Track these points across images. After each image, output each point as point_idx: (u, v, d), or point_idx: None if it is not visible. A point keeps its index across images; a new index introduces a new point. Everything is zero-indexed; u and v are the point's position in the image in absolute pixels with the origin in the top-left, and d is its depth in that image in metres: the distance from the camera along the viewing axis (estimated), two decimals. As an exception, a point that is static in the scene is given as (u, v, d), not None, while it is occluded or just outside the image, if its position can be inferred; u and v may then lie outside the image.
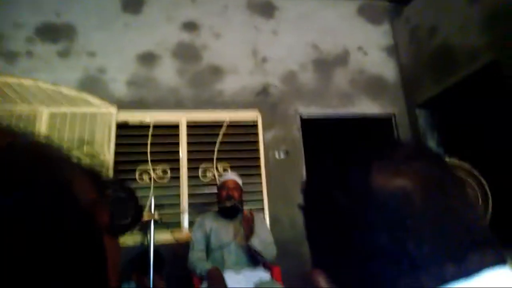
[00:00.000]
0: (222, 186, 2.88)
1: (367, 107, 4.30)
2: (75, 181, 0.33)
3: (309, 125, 4.11)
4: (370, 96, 4.35)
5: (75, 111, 3.46)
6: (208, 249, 2.80)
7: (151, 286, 2.00)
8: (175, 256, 2.99)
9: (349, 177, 0.43)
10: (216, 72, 4.06)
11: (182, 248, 2.88)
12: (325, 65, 4.34)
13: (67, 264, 0.29)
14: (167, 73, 3.95)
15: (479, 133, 3.45)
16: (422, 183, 0.39)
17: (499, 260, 0.38)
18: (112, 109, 3.55)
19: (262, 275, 2.68)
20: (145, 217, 2.10)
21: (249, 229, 2.62)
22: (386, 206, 0.38)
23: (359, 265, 0.39)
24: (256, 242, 2.64)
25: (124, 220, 0.55)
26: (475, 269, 0.36)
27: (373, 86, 4.39)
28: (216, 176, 3.67)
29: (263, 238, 2.74)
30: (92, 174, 0.37)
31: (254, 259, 2.76)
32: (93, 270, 0.32)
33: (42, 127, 3.35)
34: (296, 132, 4.06)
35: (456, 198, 0.40)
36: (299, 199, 0.49)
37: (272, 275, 2.72)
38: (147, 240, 2.05)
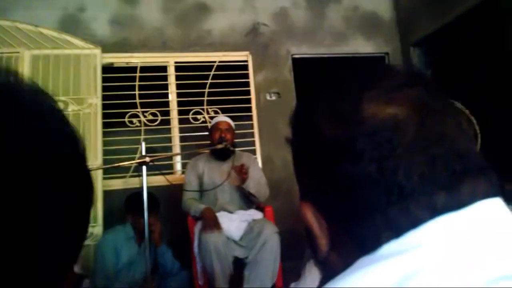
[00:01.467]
0: (214, 128, 2.87)
1: (360, 46, 4.19)
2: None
3: (301, 66, 4.02)
4: (364, 34, 4.23)
5: (58, 53, 3.32)
6: (202, 191, 2.85)
7: (146, 227, 2.05)
8: (169, 198, 3.05)
9: (337, 106, 0.41)
10: (203, 9, 3.88)
11: (176, 190, 2.92)
12: (318, 1, 4.16)
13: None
14: (151, 10, 3.76)
15: (473, 73, 3.41)
16: (415, 111, 0.37)
17: (492, 190, 0.37)
18: (96, 51, 3.41)
19: (255, 214, 2.76)
20: (138, 160, 2.10)
21: (242, 177, 2.65)
22: (377, 135, 0.37)
23: (346, 195, 0.38)
24: (250, 185, 2.68)
25: None
26: (468, 199, 0.35)
27: (367, 24, 4.26)
28: (207, 119, 3.65)
29: (256, 180, 2.79)
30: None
31: (246, 199, 2.83)
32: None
33: (25, 70, 3.23)
34: (288, 73, 3.98)
35: (450, 126, 0.38)
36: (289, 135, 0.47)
37: (264, 215, 2.80)
38: (141, 183, 2.07)
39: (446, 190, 0.35)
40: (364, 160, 0.36)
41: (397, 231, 0.34)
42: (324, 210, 0.42)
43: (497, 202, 0.36)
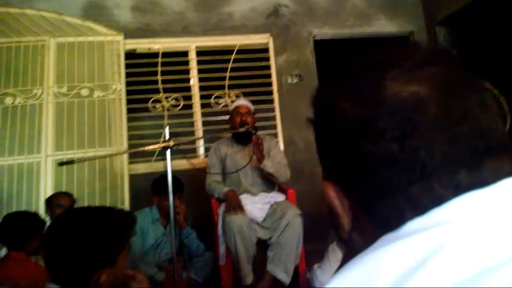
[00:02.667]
0: (235, 112, 2.88)
1: (384, 26, 4.08)
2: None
3: (323, 48, 3.96)
4: (387, 14, 4.11)
5: (82, 40, 3.38)
6: (224, 174, 2.89)
7: (172, 209, 2.10)
8: (193, 181, 3.10)
9: (359, 85, 0.41)
10: (224, -8, 3.84)
11: (199, 174, 2.97)
12: (340, -20, 4.06)
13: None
14: (172, -5, 3.75)
15: (501, 52, 3.28)
16: (438, 89, 0.37)
17: None
18: (119, 37, 3.46)
19: (277, 197, 2.78)
20: (162, 144, 2.14)
21: (259, 153, 2.66)
22: (399, 113, 0.36)
23: (369, 174, 0.38)
24: (268, 165, 2.69)
25: None
26: (491, 177, 0.34)
27: (391, 3, 4.13)
28: (229, 103, 3.66)
29: (277, 161, 2.80)
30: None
31: (268, 181, 2.85)
32: None
33: (50, 58, 3.31)
34: (309, 55, 3.93)
35: (473, 104, 0.37)
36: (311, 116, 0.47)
37: (286, 197, 2.82)
38: (165, 167, 2.11)
39: (469, 168, 0.35)
40: (386, 139, 0.36)
41: (421, 210, 0.34)
42: (346, 189, 0.42)
43: None
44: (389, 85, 0.38)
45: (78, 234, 1.02)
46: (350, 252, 0.43)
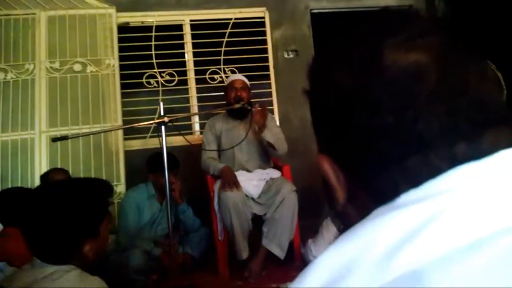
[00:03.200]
0: (230, 87, 2.84)
1: (383, -2, 4.00)
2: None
3: (320, 21, 3.88)
4: (386, -14, 4.02)
5: (73, 13, 3.30)
6: (220, 151, 2.88)
7: (167, 185, 2.10)
8: (188, 158, 3.10)
9: (356, 54, 0.39)
10: (219, -36, 3.74)
11: (195, 150, 2.96)
12: (338, -49, 3.94)
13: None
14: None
15: (498, 27, 3.23)
16: (437, 59, 0.35)
17: None
18: (111, 10, 3.37)
19: (273, 173, 2.79)
20: (157, 120, 2.12)
21: (261, 122, 2.65)
22: (397, 83, 0.35)
23: (364, 146, 0.37)
24: (268, 135, 2.69)
25: None
26: (489, 149, 0.34)
27: (390, -26, 4.03)
28: (224, 79, 3.62)
29: (274, 133, 2.78)
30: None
31: (266, 156, 2.85)
32: None
33: (41, 32, 3.23)
34: (306, 29, 3.86)
35: (473, 75, 0.36)
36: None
37: (282, 173, 2.83)
38: (160, 143, 2.10)
39: (467, 140, 0.34)
40: (383, 109, 0.35)
41: (416, 182, 0.34)
42: (341, 161, 0.41)
43: None
44: (386, 54, 0.36)
45: (57, 208, 1.02)
46: (345, 226, 0.42)
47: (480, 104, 0.35)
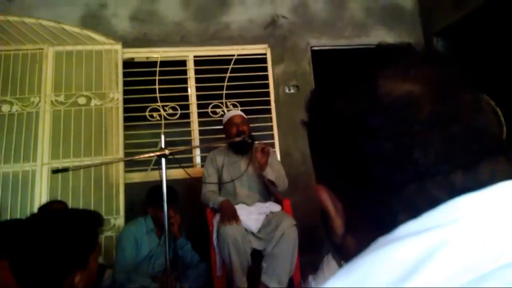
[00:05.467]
0: (230, 123, 2.86)
1: (382, 37, 4.11)
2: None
3: (321, 58, 3.97)
4: (385, 25, 4.14)
5: (80, 49, 3.39)
6: (220, 184, 2.87)
7: (166, 219, 2.08)
8: (188, 191, 3.08)
9: (353, 84, 0.40)
10: (222, 3, 3.88)
11: (195, 183, 2.95)
12: (338, -8, 4.09)
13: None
14: (170, 5, 3.78)
15: (499, 64, 3.30)
16: (431, 88, 0.36)
17: None
18: (117, 46, 3.47)
19: (273, 207, 2.76)
20: (157, 153, 2.13)
21: (264, 159, 2.66)
22: (392, 112, 0.36)
23: (361, 175, 0.37)
24: (269, 172, 2.68)
25: None
26: (487, 179, 0.34)
27: (389, 14, 4.17)
28: (226, 112, 3.66)
29: (275, 169, 2.78)
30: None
31: (266, 190, 2.83)
32: None
33: (48, 66, 3.31)
34: (307, 66, 3.95)
35: (467, 104, 0.37)
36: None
37: (282, 207, 2.80)
38: (161, 176, 2.10)
39: (464, 169, 0.34)
40: (379, 137, 0.36)
41: (415, 212, 0.34)
42: (339, 191, 0.41)
43: None
44: (382, 84, 0.37)
45: (46, 240, 1.00)
46: (344, 257, 0.42)
47: (475, 134, 0.35)
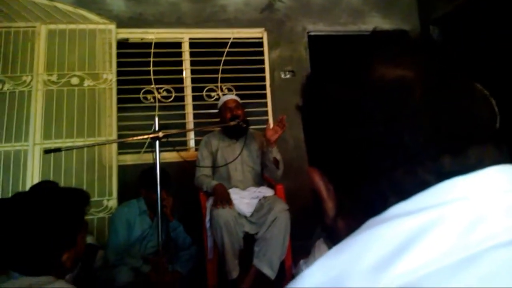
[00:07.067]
0: (224, 107, 2.85)
1: (378, 23, 4.08)
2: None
3: (317, 44, 3.95)
4: (381, 12, 4.11)
5: (73, 28, 3.33)
6: (214, 168, 2.87)
7: (159, 201, 2.08)
8: (182, 174, 3.09)
9: (347, 68, 0.41)
10: (219, -16, 3.81)
11: (189, 167, 2.95)
12: (336, -23, 4.04)
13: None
14: (167, -15, 3.71)
15: (493, 53, 3.30)
16: (423, 75, 0.37)
17: (502, 157, 0.36)
18: (111, 26, 3.41)
19: (266, 192, 2.77)
20: (151, 135, 2.12)
21: (276, 137, 2.66)
22: (384, 95, 0.37)
23: (352, 158, 0.38)
24: (275, 150, 2.70)
25: None
26: (475, 164, 0.34)
27: (386, 1, 4.13)
28: (221, 96, 3.64)
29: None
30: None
31: (259, 175, 2.85)
32: None
33: (41, 45, 3.26)
34: (303, 51, 3.92)
35: (458, 91, 0.37)
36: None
37: (275, 192, 2.82)
38: (154, 159, 2.09)
39: (453, 154, 0.35)
40: (370, 121, 0.36)
41: (404, 194, 0.34)
42: (331, 173, 0.42)
43: (507, 169, 0.35)
44: (376, 68, 0.38)
45: (34, 219, 1.00)
46: (335, 239, 0.43)
47: (465, 119, 0.36)
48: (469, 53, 3.58)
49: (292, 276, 2.61)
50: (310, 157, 0.46)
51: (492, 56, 3.31)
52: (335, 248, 0.34)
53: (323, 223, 0.45)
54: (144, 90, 3.58)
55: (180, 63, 3.72)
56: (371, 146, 0.36)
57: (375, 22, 4.07)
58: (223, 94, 3.56)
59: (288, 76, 3.84)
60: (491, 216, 0.31)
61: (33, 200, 1.07)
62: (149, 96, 3.59)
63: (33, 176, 3.04)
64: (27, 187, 2.94)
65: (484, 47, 3.41)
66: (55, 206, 1.05)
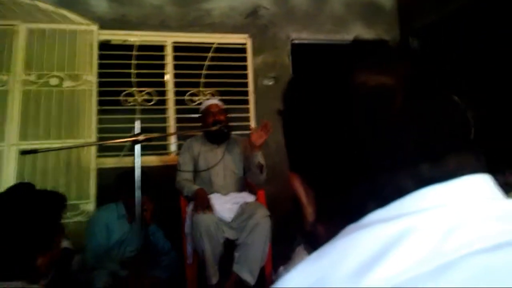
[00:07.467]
0: (206, 112, 2.84)
1: (360, 33, 4.16)
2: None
3: (300, 52, 3.98)
4: (364, 21, 4.18)
5: (54, 28, 3.27)
6: (195, 172, 2.85)
7: (138, 205, 2.05)
8: (162, 178, 3.05)
9: (328, 74, 0.42)
10: (203, -12, 3.81)
11: (170, 171, 2.92)
12: (320, -14, 4.10)
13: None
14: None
15: (472, 63, 3.39)
16: (403, 83, 0.38)
17: (479, 166, 0.37)
18: (93, 27, 3.36)
19: (247, 197, 2.77)
20: (131, 138, 2.09)
21: (261, 142, 2.65)
22: (363, 103, 0.37)
23: (332, 164, 0.38)
24: (260, 155, 2.69)
25: None
26: (454, 172, 0.35)
27: (369, 11, 4.21)
28: (203, 101, 3.62)
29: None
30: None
31: (241, 181, 2.84)
32: None
33: (19, 44, 3.18)
34: (286, 58, 3.95)
35: (438, 100, 0.38)
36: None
37: (257, 198, 2.82)
38: (133, 162, 2.07)
39: (431, 162, 0.35)
40: (350, 127, 0.37)
41: (383, 201, 0.35)
42: (311, 179, 0.42)
43: (485, 178, 0.36)
44: (357, 75, 0.38)
45: (8, 222, 0.98)
46: (315, 245, 0.43)
47: (444, 128, 0.37)
48: (447, 63, 3.67)
49: (272, 282, 2.61)
50: (291, 162, 0.46)
51: (470, 66, 3.41)
52: (315, 254, 0.34)
53: (303, 229, 0.45)
54: (125, 92, 3.53)
55: (162, 66, 3.69)
56: (349, 151, 0.37)
57: (357, 31, 4.14)
58: (206, 99, 3.55)
59: (271, 82, 3.86)
60: (468, 223, 0.31)
61: (8, 202, 1.04)
62: (130, 99, 3.54)
63: (8, 177, 2.95)
64: (2, 189, 2.86)
65: (462, 58, 3.50)
66: (30, 209, 1.03)
